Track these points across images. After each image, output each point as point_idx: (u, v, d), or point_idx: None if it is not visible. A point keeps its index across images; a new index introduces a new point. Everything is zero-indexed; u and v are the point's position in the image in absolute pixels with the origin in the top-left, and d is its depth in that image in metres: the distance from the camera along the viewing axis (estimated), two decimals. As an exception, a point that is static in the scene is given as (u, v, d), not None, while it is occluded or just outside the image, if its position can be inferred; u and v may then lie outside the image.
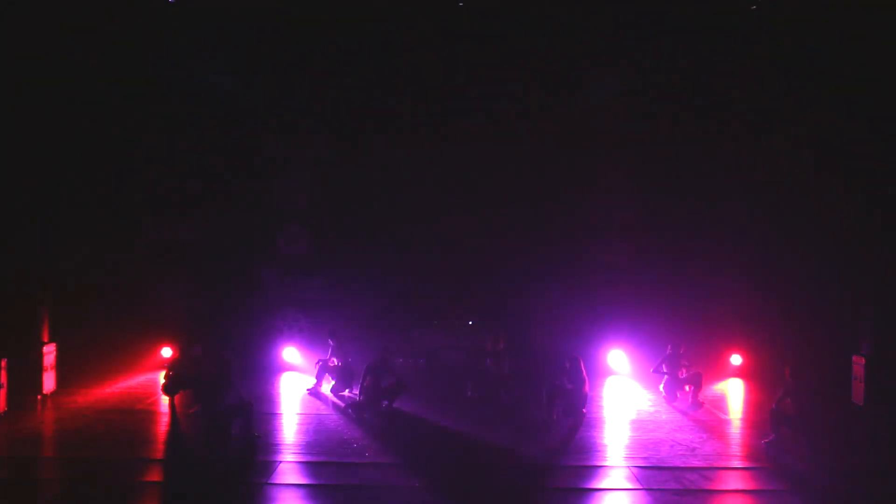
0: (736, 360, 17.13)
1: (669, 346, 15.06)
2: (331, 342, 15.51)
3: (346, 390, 15.01)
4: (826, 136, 15.36)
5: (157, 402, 14.51)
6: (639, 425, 13.42)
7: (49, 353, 14.62)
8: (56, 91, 15.49)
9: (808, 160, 16.03)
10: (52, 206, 15.60)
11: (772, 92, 16.38)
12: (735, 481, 10.68)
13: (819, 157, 15.71)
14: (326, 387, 15.24)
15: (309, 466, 10.79)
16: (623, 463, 11.36)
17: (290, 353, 17.44)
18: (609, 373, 17.29)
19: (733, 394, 15.83)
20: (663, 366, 14.98)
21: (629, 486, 10.35)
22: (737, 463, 11.29)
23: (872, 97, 14.24)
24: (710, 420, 13.58)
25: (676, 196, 17.72)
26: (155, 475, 10.48)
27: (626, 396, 15.55)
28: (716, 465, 11.18)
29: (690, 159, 17.57)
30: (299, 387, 15.88)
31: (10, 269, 14.54)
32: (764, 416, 12.24)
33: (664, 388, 14.84)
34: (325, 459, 11.07)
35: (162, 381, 14.58)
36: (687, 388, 14.58)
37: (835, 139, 15.14)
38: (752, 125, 16.98)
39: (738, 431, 12.93)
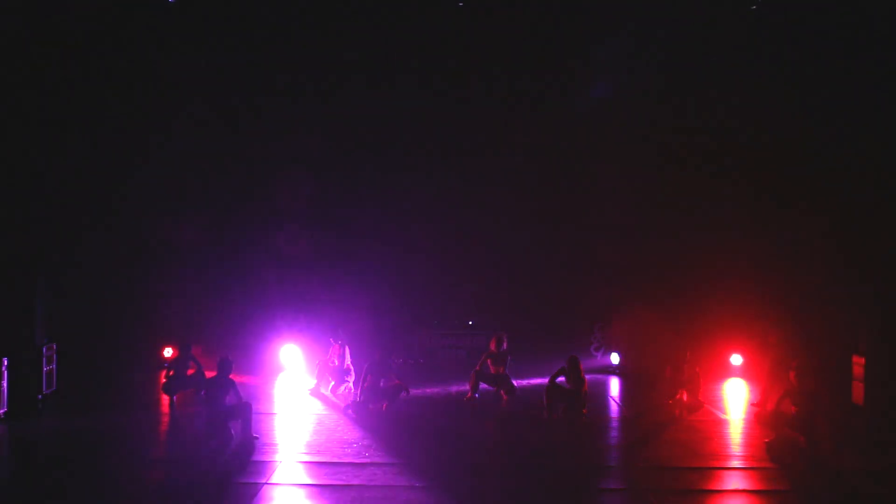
0: (736, 360, 17.13)
1: (687, 352, 14.79)
2: (331, 342, 15.51)
3: (346, 390, 15.01)
4: (825, 136, 15.38)
5: (157, 402, 14.50)
6: (638, 425, 13.42)
7: (49, 353, 14.62)
8: (56, 89, 15.49)
9: (807, 161, 16.05)
10: (52, 206, 15.59)
11: (772, 86, 16.40)
12: (735, 481, 10.68)
13: (818, 157, 15.73)
14: (326, 387, 15.23)
15: (309, 466, 10.79)
16: (623, 463, 11.37)
17: (290, 353, 17.44)
18: (607, 372, 17.29)
19: (733, 394, 15.82)
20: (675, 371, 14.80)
21: (629, 486, 10.35)
22: (737, 463, 11.29)
23: (874, 95, 14.27)
24: (710, 420, 13.58)
25: (676, 196, 17.72)
26: (155, 475, 10.48)
27: (625, 397, 15.55)
28: (716, 465, 11.18)
29: (690, 160, 17.56)
30: (299, 387, 15.88)
31: (11, 269, 14.54)
32: (764, 416, 12.23)
33: (664, 387, 14.82)
34: (324, 459, 11.07)
35: (162, 381, 14.58)
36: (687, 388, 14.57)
37: (834, 139, 15.15)
38: (747, 125, 16.99)
39: (738, 431, 12.93)
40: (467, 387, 14.79)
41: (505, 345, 14.85)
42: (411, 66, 17.50)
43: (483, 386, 14.79)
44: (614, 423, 13.77)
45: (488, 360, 14.87)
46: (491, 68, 17.50)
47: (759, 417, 13.10)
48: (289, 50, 17.18)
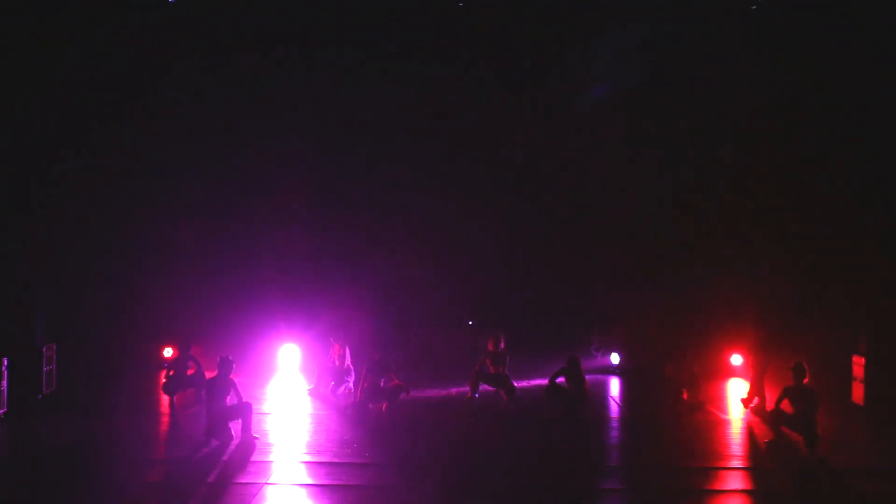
0: (736, 360, 17.12)
1: (687, 352, 14.90)
2: (331, 342, 15.51)
3: (346, 390, 15.00)
4: (828, 138, 15.40)
5: (157, 402, 14.51)
6: (638, 425, 13.43)
7: (49, 353, 14.62)
8: (54, 90, 15.49)
9: (804, 160, 16.05)
10: (51, 206, 15.60)
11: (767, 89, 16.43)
12: (735, 481, 10.68)
13: (815, 157, 15.73)
14: (326, 387, 15.22)
15: (308, 466, 10.80)
16: (623, 462, 11.38)
17: (290, 353, 17.43)
18: (607, 373, 17.30)
19: (733, 394, 15.82)
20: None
21: (629, 486, 10.36)
22: (737, 463, 11.29)
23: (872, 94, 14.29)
24: (710, 420, 13.58)
25: (675, 196, 17.72)
26: (155, 475, 10.48)
27: (625, 397, 15.56)
28: (716, 465, 11.19)
29: (691, 160, 17.55)
30: (299, 387, 15.89)
31: (10, 270, 14.55)
32: (764, 415, 12.23)
33: (664, 387, 14.83)
34: (324, 459, 11.07)
35: (162, 381, 14.58)
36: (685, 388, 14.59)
37: (842, 141, 15.18)
38: (750, 123, 17.00)
39: (738, 431, 12.93)
40: (467, 387, 14.80)
41: (503, 344, 14.85)
42: (411, 66, 17.49)
43: (483, 386, 14.80)
44: (614, 423, 13.77)
45: (487, 361, 14.87)
46: (492, 68, 17.49)
47: (744, 404, 13.26)
48: (287, 50, 17.16)
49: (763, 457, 11.34)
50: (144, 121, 17.09)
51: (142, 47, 16.45)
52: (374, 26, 16.92)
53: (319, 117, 17.87)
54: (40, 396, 14.19)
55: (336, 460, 11.06)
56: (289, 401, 14.84)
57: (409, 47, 17.25)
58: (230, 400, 11.92)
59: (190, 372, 14.64)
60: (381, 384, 13.83)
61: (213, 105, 17.41)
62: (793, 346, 14.78)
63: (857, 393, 14.15)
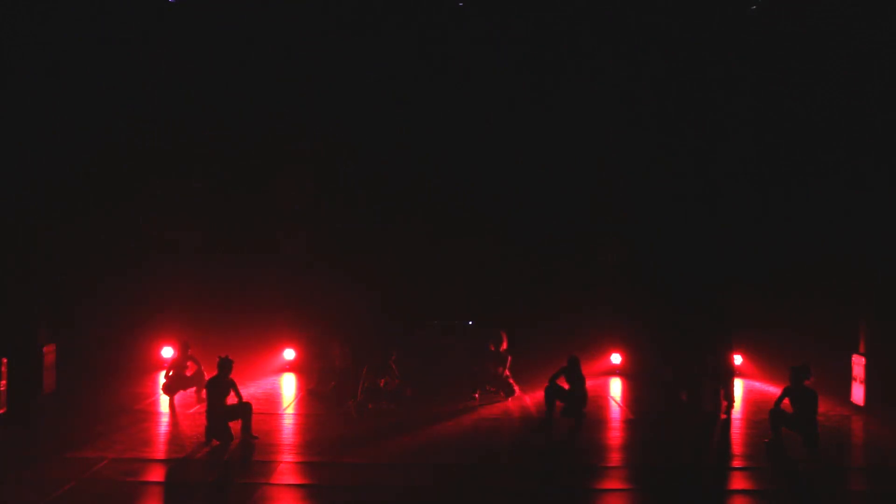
0: (736, 360, 17.07)
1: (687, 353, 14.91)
2: (331, 342, 15.50)
3: (346, 390, 14.99)
4: (819, 135, 15.42)
5: (157, 402, 14.51)
6: (638, 425, 13.42)
7: (49, 353, 14.61)
8: (54, 92, 15.48)
9: (805, 159, 16.06)
10: (51, 206, 15.58)
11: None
12: (735, 481, 10.69)
13: (812, 155, 15.75)
14: (326, 387, 15.21)
15: (309, 466, 10.80)
16: (622, 463, 11.37)
17: (290, 353, 17.41)
18: (610, 373, 17.30)
19: (735, 394, 15.80)
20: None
21: (629, 487, 10.36)
22: (737, 463, 11.29)
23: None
24: (709, 420, 13.56)
25: (674, 196, 17.72)
26: (155, 475, 10.48)
27: (625, 397, 15.56)
28: (716, 465, 11.18)
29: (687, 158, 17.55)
30: (299, 387, 15.88)
31: (11, 270, 14.53)
32: (764, 416, 12.23)
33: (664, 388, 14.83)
34: (324, 459, 11.07)
35: (162, 381, 14.57)
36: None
37: (827, 138, 15.19)
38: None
39: (738, 431, 12.93)
40: (468, 388, 14.79)
41: (504, 345, 14.84)
42: (410, 65, 17.50)
43: (484, 387, 14.80)
44: (614, 424, 13.76)
45: (488, 361, 14.86)
46: (493, 67, 17.49)
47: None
48: (284, 50, 17.16)
49: (763, 457, 11.34)
50: (143, 119, 17.08)
51: (142, 44, 16.48)
52: (370, 26, 16.94)
53: (321, 114, 17.83)
54: (40, 397, 14.18)
55: (336, 460, 11.06)
56: (289, 401, 14.84)
57: (407, 46, 17.27)
58: (230, 400, 11.92)
59: (190, 372, 14.63)
60: (382, 384, 13.83)
61: (212, 102, 17.39)
62: (793, 346, 14.78)
63: (857, 393, 14.15)
